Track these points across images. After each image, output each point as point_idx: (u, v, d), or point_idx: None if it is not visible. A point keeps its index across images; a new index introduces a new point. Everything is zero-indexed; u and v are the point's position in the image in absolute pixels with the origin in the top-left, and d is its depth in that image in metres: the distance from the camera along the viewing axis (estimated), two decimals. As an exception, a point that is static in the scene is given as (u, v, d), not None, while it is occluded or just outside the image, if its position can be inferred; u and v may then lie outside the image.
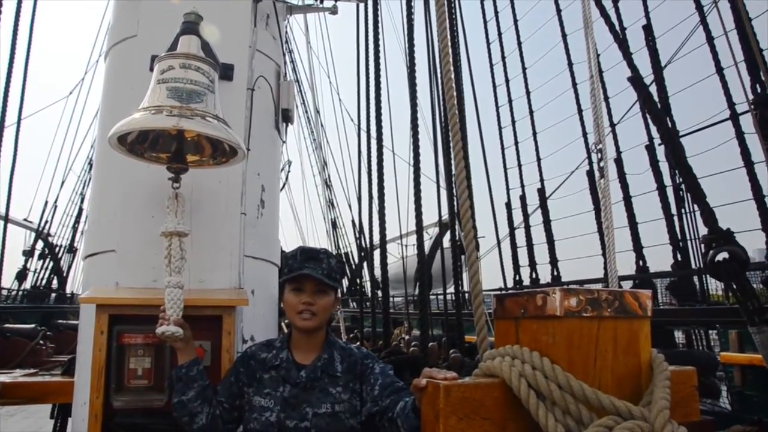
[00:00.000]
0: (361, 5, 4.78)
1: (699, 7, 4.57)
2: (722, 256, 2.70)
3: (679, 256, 5.30)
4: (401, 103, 4.77)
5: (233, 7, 2.69)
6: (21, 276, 12.49)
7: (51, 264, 12.91)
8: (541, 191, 7.56)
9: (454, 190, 4.54)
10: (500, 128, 8.38)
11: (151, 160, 2.14)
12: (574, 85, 7.12)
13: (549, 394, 1.31)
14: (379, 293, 5.23)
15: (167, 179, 2.08)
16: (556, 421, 1.29)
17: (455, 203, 4.54)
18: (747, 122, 4.19)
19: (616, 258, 2.26)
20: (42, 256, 12.84)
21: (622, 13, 5.42)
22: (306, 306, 1.93)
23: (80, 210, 13.13)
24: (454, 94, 1.85)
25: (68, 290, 13.35)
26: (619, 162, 5.97)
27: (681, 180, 5.09)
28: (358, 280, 11.72)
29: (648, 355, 1.49)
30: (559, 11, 7.32)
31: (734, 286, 2.63)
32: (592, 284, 5.92)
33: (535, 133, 7.87)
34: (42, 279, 12.82)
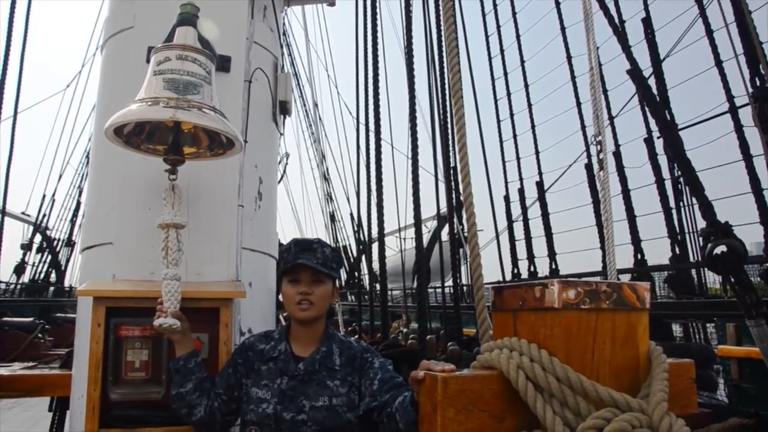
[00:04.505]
0: (360, -3, 4.74)
1: (698, 0, 4.55)
2: (720, 249, 2.69)
3: (677, 250, 5.30)
4: (400, 96, 4.75)
5: (230, -2, 2.67)
6: (19, 269, 12.45)
7: (49, 257, 12.89)
8: (540, 184, 7.55)
9: (453, 183, 4.54)
10: (498, 121, 8.35)
11: (148, 152, 2.13)
12: (573, 78, 7.09)
13: (547, 386, 1.31)
14: (378, 286, 5.23)
15: (164, 171, 2.07)
16: (554, 413, 1.29)
17: (453, 196, 4.53)
18: (746, 115, 4.17)
19: (615, 251, 2.25)
20: (40, 250, 12.80)
21: (621, 5, 5.39)
22: (303, 296, 1.93)
23: (78, 203, 13.06)
24: (460, 88, 1.84)
25: (66, 284, 13.33)
26: (617, 155, 5.96)
27: (679, 173, 5.08)
28: (356, 273, 11.72)
29: (646, 347, 1.49)
30: (557, 3, 7.28)
31: (732, 280, 2.62)
32: (591, 277, 5.93)
33: (533, 126, 7.84)
34: (40, 272, 12.78)
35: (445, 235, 6.21)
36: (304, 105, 13.36)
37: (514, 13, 8.08)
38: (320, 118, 12.57)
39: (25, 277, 12.57)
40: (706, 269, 5.07)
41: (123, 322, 2.11)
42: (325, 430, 1.83)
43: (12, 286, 12.38)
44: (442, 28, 4.27)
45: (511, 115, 8.16)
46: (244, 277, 2.47)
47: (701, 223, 3.35)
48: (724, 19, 3.84)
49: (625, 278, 5.48)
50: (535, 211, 7.56)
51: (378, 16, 4.35)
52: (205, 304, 2.18)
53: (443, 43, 4.29)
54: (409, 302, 6.74)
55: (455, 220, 4.78)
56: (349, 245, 13.91)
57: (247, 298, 2.32)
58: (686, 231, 5.41)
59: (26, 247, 12.68)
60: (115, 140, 2.01)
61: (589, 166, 6.43)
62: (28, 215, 13.54)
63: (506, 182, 8.16)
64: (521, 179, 7.87)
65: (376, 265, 5.18)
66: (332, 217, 14.14)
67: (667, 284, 5.48)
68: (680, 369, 1.56)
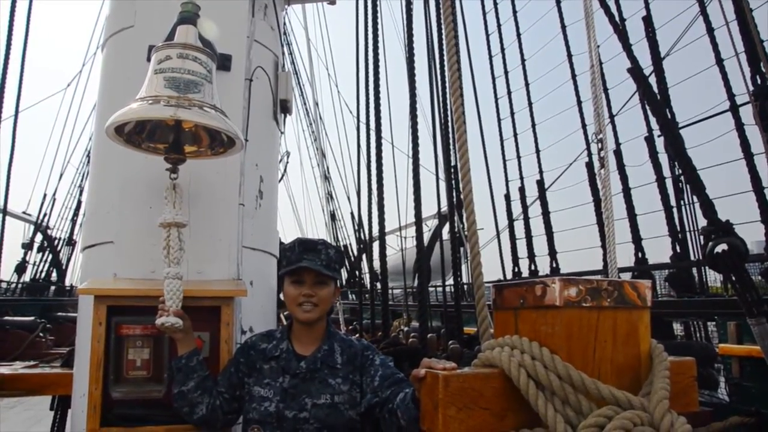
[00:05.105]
0: (360, -4, 4.73)
1: (699, -2, 4.55)
2: (721, 247, 2.69)
3: (678, 248, 5.30)
4: (400, 94, 4.76)
5: (231, -3, 2.67)
6: (20, 269, 12.47)
7: (50, 257, 12.90)
8: (540, 183, 7.56)
9: (454, 182, 4.54)
10: (499, 120, 8.36)
11: (149, 151, 2.13)
12: (574, 76, 7.08)
13: (548, 384, 1.31)
14: (378, 285, 5.23)
15: (165, 170, 2.07)
16: (556, 411, 1.29)
17: (454, 195, 4.53)
18: (747, 114, 4.17)
19: (616, 249, 2.25)
20: (41, 249, 12.82)
21: (622, 4, 5.39)
22: (306, 298, 1.94)
23: (79, 202, 13.09)
24: (459, 86, 1.84)
25: (67, 283, 13.37)
26: (618, 153, 5.96)
27: (680, 172, 5.08)
28: (357, 272, 11.73)
29: (647, 345, 1.49)
30: (558, 2, 7.27)
31: (733, 278, 2.62)
32: (592, 276, 5.91)
33: (534, 125, 7.85)
34: (41, 272, 12.81)
35: (445, 233, 6.21)
36: (305, 103, 13.39)
37: (514, 12, 8.08)
38: (321, 117, 12.58)
39: (26, 277, 12.59)
40: (707, 267, 5.07)
41: (124, 320, 2.11)
42: (328, 427, 1.84)
43: (13, 286, 12.40)
44: (442, 27, 4.26)
45: (512, 113, 8.17)
46: (245, 275, 2.47)
47: (702, 222, 3.34)
48: (724, 17, 3.83)
49: (626, 277, 5.48)
50: (535, 210, 7.57)
51: (378, 15, 4.36)
52: (206, 303, 2.18)
53: (443, 43, 4.29)
54: (410, 301, 6.75)
55: (456, 218, 4.78)
56: (350, 244, 13.92)
57: (248, 296, 2.32)
58: (687, 229, 5.40)
59: (27, 247, 12.70)
60: (116, 139, 2.01)
61: (589, 165, 6.43)
62: (29, 214, 13.56)
63: (507, 181, 8.17)
64: (522, 178, 7.87)
65: (376, 264, 5.19)
66: (333, 216, 14.16)
67: (668, 283, 5.47)
68: (681, 367, 1.55)
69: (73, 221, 13.15)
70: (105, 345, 2.06)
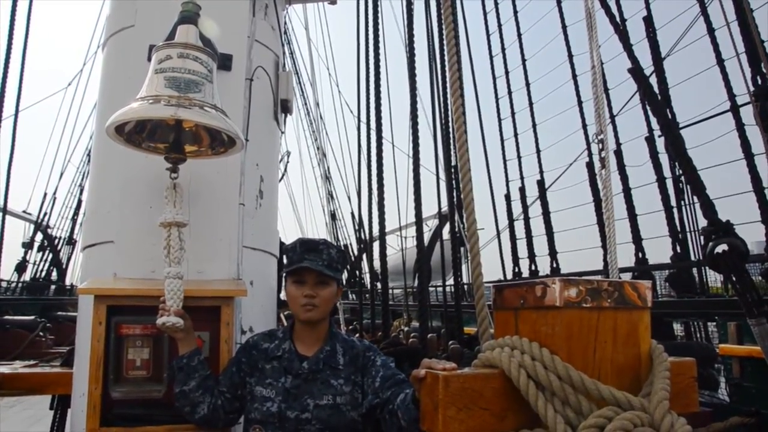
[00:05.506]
0: (361, -5, 4.73)
1: (700, -2, 4.56)
2: (721, 248, 2.69)
3: (678, 248, 5.30)
4: (401, 94, 4.76)
5: (231, -3, 2.67)
6: (20, 268, 12.49)
7: (50, 256, 12.91)
8: (541, 183, 7.57)
9: (454, 182, 4.53)
10: (500, 120, 8.39)
11: (149, 151, 2.12)
12: (574, 76, 7.10)
13: (548, 384, 1.31)
14: (379, 285, 5.23)
15: (165, 170, 2.07)
16: (556, 411, 1.29)
17: (455, 195, 4.53)
18: (747, 114, 4.19)
19: (616, 249, 2.25)
20: (41, 248, 12.83)
21: (623, 4, 5.39)
22: (308, 298, 1.93)
23: (79, 202, 13.08)
24: (459, 86, 1.84)
25: (68, 282, 13.36)
26: (618, 153, 5.96)
27: (681, 172, 5.09)
28: (357, 272, 11.73)
29: (648, 345, 1.49)
30: (559, 2, 7.28)
31: (733, 278, 2.62)
32: (592, 276, 5.91)
33: (534, 125, 7.86)
34: (41, 271, 12.83)
35: (446, 233, 6.22)
36: (305, 103, 13.37)
37: (515, 12, 8.10)
38: (321, 117, 12.56)
39: (27, 276, 12.61)
40: (707, 268, 5.07)
41: (124, 320, 2.11)
42: (330, 428, 1.84)
43: (13, 285, 12.40)
44: (442, 27, 4.26)
45: (513, 113, 8.19)
46: (246, 275, 2.47)
47: (702, 222, 3.35)
48: (725, 17, 3.83)
49: (626, 277, 5.49)
50: (536, 210, 7.59)
51: (379, 15, 4.35)
52: (206, 303, 2.18)
53: (444, 43, 4.29)
54: (410, 301, 6.75)
55: (456, 218, 4.78)
56: (351, 244, 13.91)
57: (248, 296, 2.32)
58: (687, 230, 5.41)
59: (27, 246, 12.71)
60: (117, 138, 2.00)
61: (590, 165, 6.44)
62: (30, 214, 13.57)
63: (507, 180, 8.20)
64: (522, 178, 7.90)
65: (377, 264, 5.19)
66: (333, 216, 14.15)
67: (669, 283, 5.48)
68: (682, 368, 1.55)
69: (74, 220, 13.14)
70: (105, 344, 2.06)
